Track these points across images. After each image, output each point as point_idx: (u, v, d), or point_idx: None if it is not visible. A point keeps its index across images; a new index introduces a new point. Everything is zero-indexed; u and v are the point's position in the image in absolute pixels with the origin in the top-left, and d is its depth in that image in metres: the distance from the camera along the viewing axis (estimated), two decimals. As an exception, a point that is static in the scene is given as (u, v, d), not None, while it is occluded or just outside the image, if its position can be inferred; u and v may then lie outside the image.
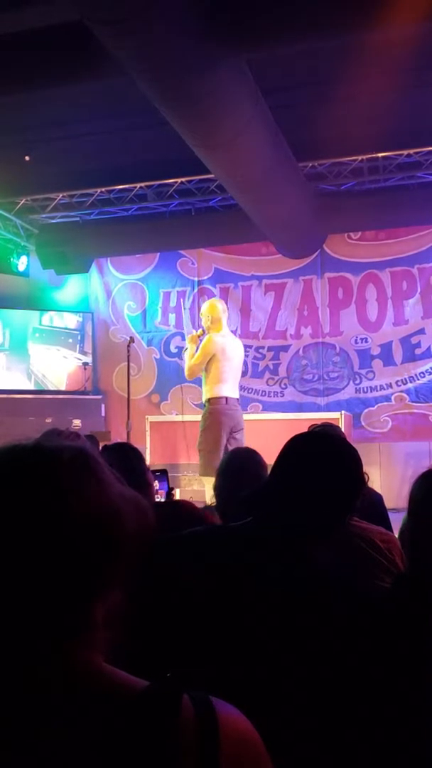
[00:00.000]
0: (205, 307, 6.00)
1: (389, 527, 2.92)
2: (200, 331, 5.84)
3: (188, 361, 5.81)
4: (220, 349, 5.73)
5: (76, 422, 8.43)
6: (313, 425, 3.53)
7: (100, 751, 0.70)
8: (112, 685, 0.75)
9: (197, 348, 5.75)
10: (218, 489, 2.80)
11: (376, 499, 3.08)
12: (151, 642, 1.35)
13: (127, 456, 2.68)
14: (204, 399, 5.74)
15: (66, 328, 9.17)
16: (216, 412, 5.61)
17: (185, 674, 0.82)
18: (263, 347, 8.80)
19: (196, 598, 1.44)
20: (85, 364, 9.11)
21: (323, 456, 1.61)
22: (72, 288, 9.58)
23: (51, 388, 9.01)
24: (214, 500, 2.97)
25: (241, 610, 1.40)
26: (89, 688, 0.74)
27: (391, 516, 3.19)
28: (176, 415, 7.56)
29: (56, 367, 9.09)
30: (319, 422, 4.05)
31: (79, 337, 9.19)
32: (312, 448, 1.65)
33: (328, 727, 1.30)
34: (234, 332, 8.87)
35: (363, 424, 8.27)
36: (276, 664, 1.33)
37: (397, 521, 3.07)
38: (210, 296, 9.01)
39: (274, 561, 1.46)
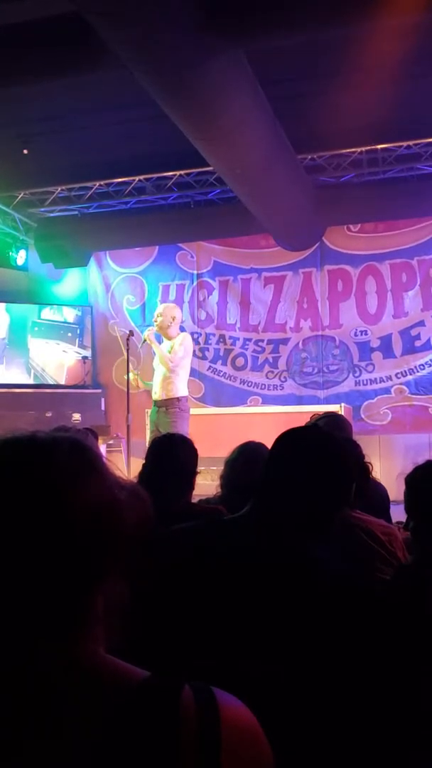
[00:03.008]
0: (171, 310, 6.28)
1: (389, 519, 2.92)
2: (149, 329, 6.20)
3: (170, 354, 6.03)
4: (192, 350, 6.28)
5: (76, 416, 8.42)
6: (314, 415, 3.51)
7: (101, 741, 0.70)
8: (113, 675, 0.75)
9: (175, 344, 6.09)
10: (225, 479, 2.81)
11: (381, 491, 3.08)
12: (151, 634, 1.35)
13: (175, 451, 2.69)
14: (173, 395, 6.00)
15: (65, 322, 9.16)
16: (187, 409, 6.07)
17: (186, 666, 0.82)
18: (263, 340, 8.79)
19: (194, 591, 1.45)
20: (85, 357, 9.10)
21: (309, 451, 1.63)
22: (71, 282, 9.57)
23: (50, 382, 9.00)
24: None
25: (239, 603, 1.41)
26: (91, 679, 0.74)
27: (392, 508, 3.19)
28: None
29: (56, 361, 9.08)
30: (320, 413, 4.03)
31: (78, 331, 9.19)
32: (298, 444, 1.66)
33: (329, 718, 1.30)
34: (233, 325, 8.93)
35: (363, 416, 8.27)
36: (275, 655, 1.33)
37: (396, 513, 3.08)
38: (209, 289, 9.01)
39: (271, 554, 1.47)
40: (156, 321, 6.16)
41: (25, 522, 0.72)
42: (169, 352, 6.03)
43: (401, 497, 3.19)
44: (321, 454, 1.62)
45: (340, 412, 6.97)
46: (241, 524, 1.58)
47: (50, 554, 0.72)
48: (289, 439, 1.66)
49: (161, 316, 6.14)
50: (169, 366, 6.00)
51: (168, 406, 6.00)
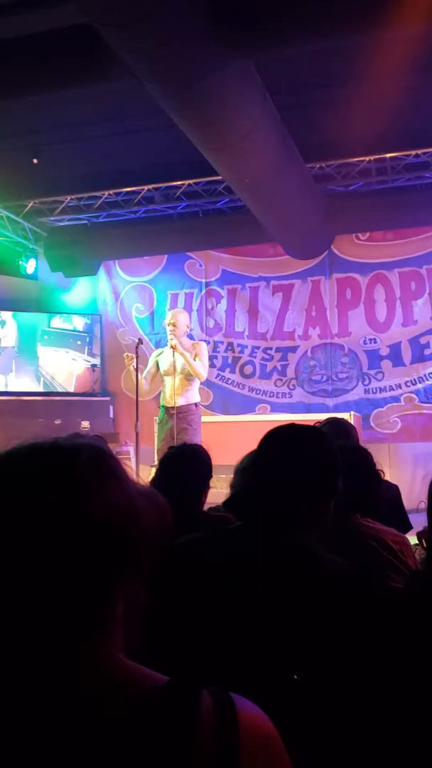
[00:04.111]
0: (185, 317, 6.32)
1: (403, 518, 2.91)
2: (172, 338, 6.11)
3: (199, 365, 6.05)
4: None
5: (85, 424, 8.44)
6: (318, 422, 3.48)
7: (120, 745, 0.70)
8: (133, 679, 0.76)
9: (193, 354, 6.11)
10: (237, 488, 2.82)
11: (392, 490, 3.06)
12: (163, 641, 1.36)
13: (189, 462, 2.70)
14: (191, 401, 6.11)
15: (74, 331, 9.20)
16: (200, 415, 6.19)
17: (200, 672, 0.82)
18: (271, 348, 8.80)
19: (202, 599, 1.46)
20: (94, 366, 9.13)
21: (289, 449, 1.68)
22: (80, 290, 9.60)
23: (59, 390, 9.03)
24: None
25: (248, 609, 1.41)
26: (111, 683, 0.75)
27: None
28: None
29: (65, 369, 9.11)
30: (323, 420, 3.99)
31: (87, 339, 9.22)
32: (277, 443, 1.70)
33: (340, 725, 1.30)
34: (242, 333, 8.94)
35: (372, 425, 8.25)
36: (287, 660, 1.33)
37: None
38: (218, 297, 9.03)
39: (275, 557, 1.48)
40: (173, 331, 6.08)
41: (47, 528, 0.73)
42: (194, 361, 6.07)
43: (410, 506, 3.18)
44: (305, 446, 1.67)
45: (349, 420, 6.98)
46: (244, 531, 1.60)
47: (72, 560, 0.73)
48: (273, 438, 1.70)
49: (176, 327, 6.09)
50: (202, 378, 6.14)
51: (187, 412, 6.02)
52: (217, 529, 1.76)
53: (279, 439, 1.70)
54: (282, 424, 1.77)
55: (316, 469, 1.64)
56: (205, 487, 2.75)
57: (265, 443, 1.70)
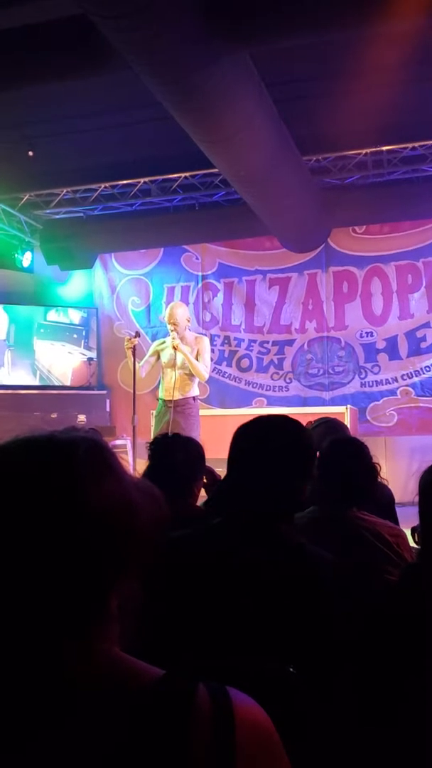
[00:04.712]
0: (185, 311, 6.20)
1: (395, 521, 2.91)
2: (174, 337, 5.97)
3: (201, 366, 6.00)
4: None
5: (81, 417, 8.44)
6: (310, 422, 3.45)
7: (116, 739, 0.71)
8: (128, 673, 0.76)
9: (194, 350, 6.04)
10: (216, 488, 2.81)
11: (386, 493, 3.06)
12: (156, 636, 1.36)
13: (180, 452, 2.68)
14: (190, 395, 6.06)
15: (71, 324, 9.18)
16: (198, 408, 6.15)
17: (192, 666, 0.82)
18: (268, 342, 8.79)
19: (192, 594, 1.46)
20: (90, 359, 9.12)
21: (260, 446, 1.68)
22: (76, 284, 9.59)
23: (56, 383, 9.02)
24: None
25: (237, 603, 1.42)
26: (108, 678, 0.75)
27: (397, 510, 3.18)
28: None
29: (61, 363, 9.10)
30: (316, 418, 3.94)
31: (83, 333, 9.20)
32: (252, 437, 1.71)
33: (335, 716, 1.31)
34: (238, 327, 8.94)
35: (368, 418, 8.26)
36: (279, 655, 1.34)
37: (402, 515, 3.07)
38: (214, 291, 9.02)
39: (262, 550, 1.49)
40: (175, 328, 5.96)
41: (43, 523, 0.73)
42: (197, 359, 5.99)
43: (406, 499, 3.19)
44: (281, 436, 1.68)
45: (345, 414, 6.99)
46: (226, 527, 1.61)
47: (70, 556, 0.73)
48: (243, 436, 1.71)
49: (177, 325, 5.97)
50: (204, 379, 6.10)
51: (185, 405, 5.98)
52: (198, 527, 1.76)
53: (248, 437, 1.70)
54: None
55: (290, 459, 1.64)
56: (197, 480, 2.72)
57: (235, 442, 1.70)
